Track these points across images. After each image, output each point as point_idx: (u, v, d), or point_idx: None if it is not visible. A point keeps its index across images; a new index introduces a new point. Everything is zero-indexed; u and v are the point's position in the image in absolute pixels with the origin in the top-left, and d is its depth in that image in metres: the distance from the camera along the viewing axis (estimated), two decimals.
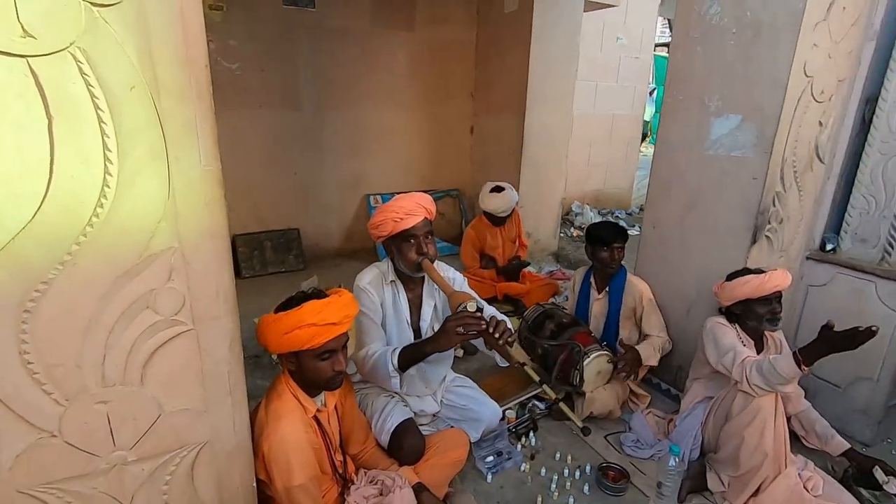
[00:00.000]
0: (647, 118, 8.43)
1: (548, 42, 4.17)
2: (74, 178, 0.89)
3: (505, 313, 3.38)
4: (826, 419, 2.07)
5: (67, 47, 0.84)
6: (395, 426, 1.80)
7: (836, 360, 2.28)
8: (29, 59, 0.82)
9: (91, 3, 0.85)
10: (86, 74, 0.87)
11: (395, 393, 1.94)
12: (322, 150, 4.26)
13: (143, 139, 0.94)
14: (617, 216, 6.22)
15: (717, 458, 1.93)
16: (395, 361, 1.66)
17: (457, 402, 2.04)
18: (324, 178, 4.34)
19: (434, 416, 2.04)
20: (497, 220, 3.53)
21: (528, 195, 4.43)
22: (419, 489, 1.61)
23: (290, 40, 3.89)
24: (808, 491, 1.76)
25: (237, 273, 3.95)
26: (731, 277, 1.97)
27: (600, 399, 2.29)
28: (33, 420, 0.97)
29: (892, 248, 2.13)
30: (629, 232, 2.53)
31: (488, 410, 2.01)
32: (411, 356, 1.67)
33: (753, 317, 1.91)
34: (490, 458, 2.03)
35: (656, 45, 6.83)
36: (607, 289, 2.49)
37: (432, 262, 1.79)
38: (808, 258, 2.35)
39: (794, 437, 2.07)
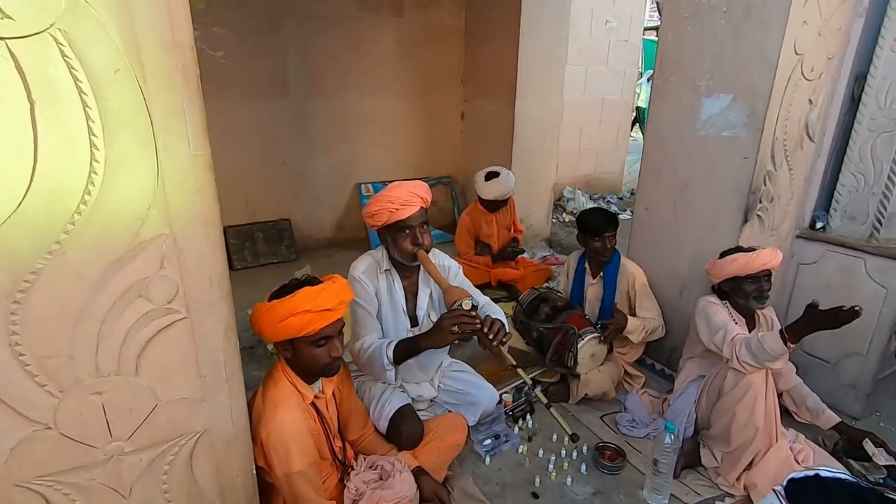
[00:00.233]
0: (643, 104, 8.39)
1: (537, 26, 4.13)
2: (60, 165, 0.87)
3: (499, 299, 3.44)
4: (817, 394, 2.10)
5: (47, 29, 0.82)
6: (393, 412, 1.81)
7: (826, 336, 2.32)
8: (7, 41, 0.79)
9: None
10: (67, 57, 0.84)
11: (393, 383, 1.94)
12: (311, 138, 4.21)
13: (129, 124, 0.92)
14: (608, 201, 6.24)
15: (711, 435, 1.96)
16: (391, 355, 1.66)
17: (454, 386, 2.04)
18: (314, 167, 4.29)
19: (432, 401, 2.05)
20: (493, 207, 3.51)
21: (520, 181, 4.40)
22: (418, 473, 1.62)
23: (276, 27, 3.82)
24: (798, 463, 1.79)
25: (229, 265, 3.90)
26: (723, 255, 1.99)
27: (595, 381, 2.31)
28: (27, 413, 0.95)
29: (881, 224, 2.16)
30: (621, 216, 2.54)
31: (485, 394, 2.02)
32: (406, 350, 1.68)
33: (742, 294, 1.93)
34: (488, 442, 2.05)
35: (645, 29, 6.80)
36: (602, 273, 2.51)
37: (427, 251, 1.78)
38: (798, 237, 2.37)
39: (785, 412, 2.11)
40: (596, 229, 2.38)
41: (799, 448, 1.90)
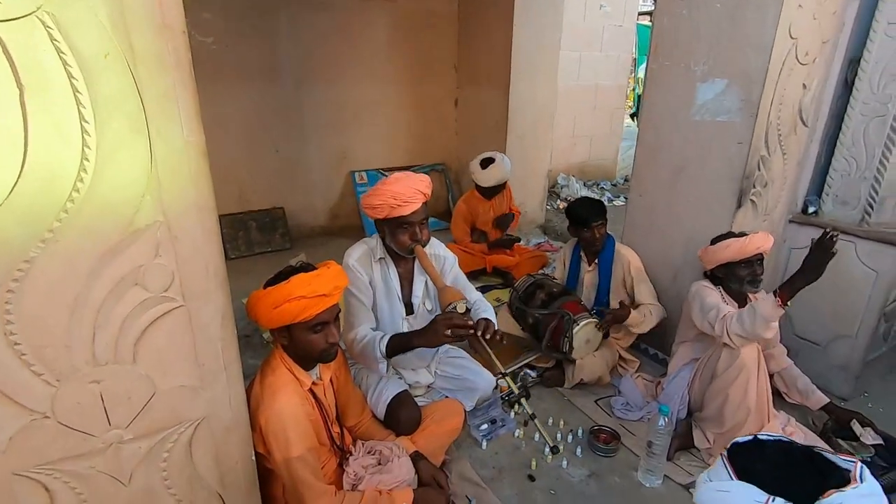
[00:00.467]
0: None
1: (531, 12, 4.09)
2: (51, 151, 0.86)
3: (494, 285, 3.45)
4: (807, 376, 2.14)
5: (34, 12, 0.80)
6: (390, 398, 1.82)
7: (817, 318, 2.36)
8: None
9: None
10: (56, 41, 0.82)
11: (386, 375, 1.95)
12: (304, 126, 4.17)
13: (121, 110, 0.90)
14: (602, 187, 6.24)
15: (703, 417, 2.00)
16: (383, 349, 1.67)
17: (451, 372, 2.06)
18: (307, 155, 4.25)
19: (429, 387, 2.07)
20: (489, 194, 3.51)
21: (515, 168, 4.38)
22: (416, 457, 1.64)
23: (267, 12, 3.75)
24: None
25: (223, 254, 3.89)
26: (714, 241, 2.01)
27: (590, 366, 2.34)
28: (24, 401, 0.95)
29: (872, 208, 2.18)
30: (615, 203, 2.55)
31: (482, 380, 2.03)
32: (398, 346, 1.69)
33: (735, 279, 1.95)
34: (484, 426, 2.07)
35: (639, 14, 6.75)
36: (597, 261, 2.52)
37: (424, 246, 1.78)
38: (790, 221, 2.39)
39: (776, 393, 2.15)
40: (584, 220, 2.39)
41: (790, 431, 1.93)
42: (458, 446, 1.99)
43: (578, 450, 1.98)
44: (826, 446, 1.89)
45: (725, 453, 0.91)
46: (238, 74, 3.76)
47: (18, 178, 0.84)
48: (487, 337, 1.57)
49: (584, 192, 5.81)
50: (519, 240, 3.71)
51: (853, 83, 2.16)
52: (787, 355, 2.20)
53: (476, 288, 3.33)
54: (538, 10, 4.11)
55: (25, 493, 1.01)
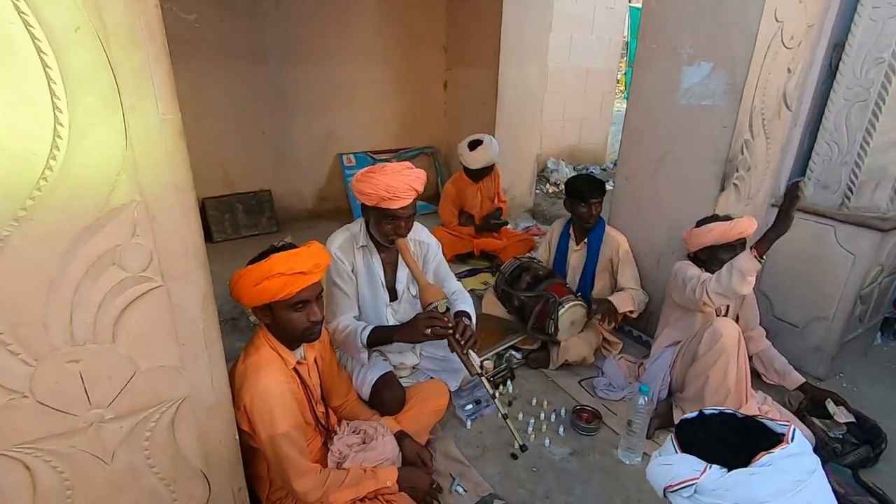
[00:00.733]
0: None
1: None
2: (21, 128, 0.84)
3: (481, 269, 3.46)
4: (785, 357, 2.19)
5: None
6: (375, 379, 1.84)
7: (796, 300, 2.41)
8: None
9: None
10: (24, 14, 0.80)
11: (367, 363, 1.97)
12: (290, 107, 4.11)
13: (93, 85, 0.88)
14: (591, 171, 6.25)
15: (684, 397, 2.04)
16: (364, 340, 1.71)
17: (436, 354, 2.08)
18: (293, 136, 4.20)
19: (414, 368, 2.09)
20: (478, 176, 3.50)
21: (504, 151, 4.37)
22: (401, 436, 1.66)
23: None
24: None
25: (209, 237, 3.86)
26: (700, 224, 2.03)
27: (575, 347, 2.37)
28: (2, 381, 0.94)
29: (852, 193, 2.21)
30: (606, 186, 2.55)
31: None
32: (379, 338, 1.73)
33: (717, 262, 1.98)
34: (469, 406, 2.10)
35: None
36: (586, 240, 2.53)
37: (404, 236, 1.80)
38: (773, 205, 2.42)
39: (755, 374, 2.20)
40: (584, 195, 2.39)
41: (766, 409, 1.99)
42: (443, 426, 2.02)
43: (561, 429, 2.02)
44: (802, 424, 1.95)
45: (674, 430, 0.94)
46: (222, 53, 3.69)
47: None
48: (463, 342, 1.64)
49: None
50: (506, 223, 3.72)
51: (837, 68, 2.17)
52: (767, 337, 2.25)
53: (464, 271, 3.39)
54: None
55: (6, 472, 1.01)
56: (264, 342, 1.40)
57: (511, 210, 4.55)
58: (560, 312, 2.24)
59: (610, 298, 2.36)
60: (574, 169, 6.13)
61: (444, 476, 1.78)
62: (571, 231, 2.58)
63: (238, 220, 4.00)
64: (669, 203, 2.38)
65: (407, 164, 1.76)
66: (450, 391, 1.98)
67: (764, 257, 1.73)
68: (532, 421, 2.05)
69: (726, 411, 0.94)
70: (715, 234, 1.94)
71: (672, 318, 2.19)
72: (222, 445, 1.29)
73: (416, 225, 1.91)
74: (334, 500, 1.36)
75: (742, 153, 2.13)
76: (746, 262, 1.74)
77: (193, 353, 1.16)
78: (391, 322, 1.92)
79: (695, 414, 0.95)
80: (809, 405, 2.07)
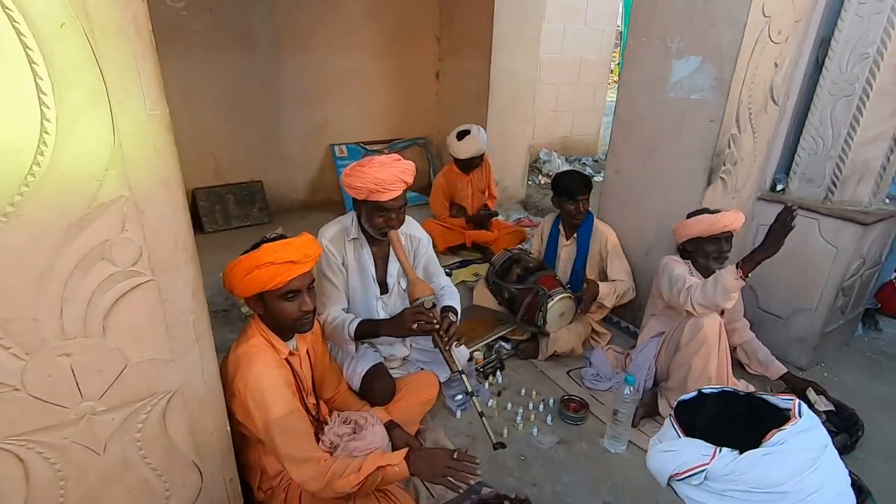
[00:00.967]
0: None
1: None
2: (8, 123, 0.84)
3: (473, 260, 3.48)
4: (769, 347, 2.24)
5: None
6: (365, 370, 1.86)
7: (780, 292, 2.45)
8: None
9: None
10: (8, 9, 0.80)
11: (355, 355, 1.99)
12: (281, 97, 4.07)
13: (80, 81, 0.89)
14: (584, 163, 6.27)
15: (668, 386, 2.08)
16: (352, 332, 1.74)
17: (426, 345, 2.10)
18: (285, 127, 4.17)
19: (404, 359, 2.11)
20: (467, 167, 3.50)
21: (496, 142, 4.39)
22: (391, 426, 1.68)
23: None
24: None
25: (200, 228, 3.84)
26: (690, 216, 2.06)
27: (563, 338, 2.40)
28: None
29: (836, 187, 2.25)
30: (595, 179, 2.58)
31: (457, 352, 2.08)
32: (367, 331, 1.76)
33: (702, 254, 2.02)
34: (459, 397, 2.13)
35: None
36: (575, 235, 2.56)
37: (397, 228, 1.81)
38: (759, 198, 2.45)
39: (739, 364, 2.25)
40: (571, 192, 2.41)
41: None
42: (433, 416, 2.05)
43: (549, 418, 2.06)
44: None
45: (672, 412, 0.88)
46: (212, 42, 3.64)
47: None
48: (447, 339, 1.67)
49: (566, 168, 5.84)
50: (497, 214, 3.73)
51: (823, 63, 2.19)
52: (752, 328, 2.30)
53: (455, 262, 3.41)
54: None
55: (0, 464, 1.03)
56: (256, 332, 1.41)
57: (503, 202, 4.57)
58: (549, 305, 2.27)
59: (600, 283, 2.40)
60: (566, 160, 6.14)
61: None
62: (561, 226, 2.61)
63: (229, 211, 3.98)
64: (658, 196, 2.41)
65: (395, 156, 1.77)
66: (439, 382, 2.01)
67: (749, 276, 1.77)
68: (521, 410, 2.09)
69: (726, 389, 0.87)
70: (700, 226, 1.98)
71: (658, 309, 2.22)
72: (214, 436, 1.31)
73: (408, 219, 1.92)
74: (338, 486, 1.27)
75: (729, 147, 2.16)
76: (730, 279, 1.78)
77: (184, 346, 1.17)
78: (381, 315, 1.94)
79: (693, 394, 0.89)
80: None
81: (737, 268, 1.77)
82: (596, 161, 6.47)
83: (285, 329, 1.42)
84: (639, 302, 2.55)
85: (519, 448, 1.93)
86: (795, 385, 2.13)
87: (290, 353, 1.47)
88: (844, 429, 1.97)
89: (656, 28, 2.22)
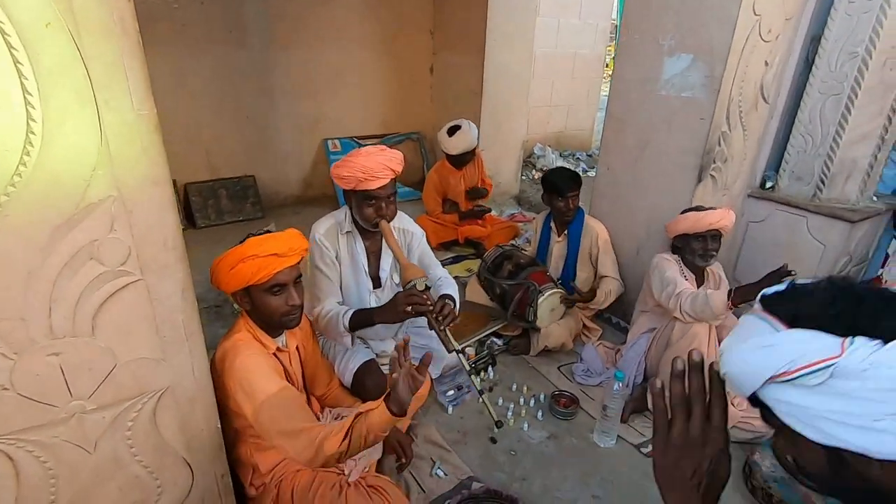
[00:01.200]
0: None
1: None
2: None
3: (466, 256, 3.49)
4: None
5: None
6: (357, 367, 1.87)
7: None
8: None
9: None
10: None
11: (357, 336, 2.00)
12: (274, 91, 4.05)
13: (66, 81, 0.88)
14: (578, 158, 6.28)
15: None
16: (347, 323, 1.73)
17: (417, 342, 2.11)
18: (278, 121, 4.15)
19: None
20: (459, 163, 3.50)
21: (490, 137, 4.40)
22: None
23: None
24: (734, 406, 1.96)
25: (192, 223, 3.83)
26: (682, 213, 2.08)
27: (555, 333, 2.43)
28: None
29: (824, 184, 2.27)
30: (589, 174, 2.59)
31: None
32: (361, 321, 1.74)
33: (689, 251, 2.04)
34: (451, 392, 2.15)
35: None
36: (566, 232, 2.58)
37: (389, 220, 1.80)
38: (749, 196, 2.47)
39: None
40: (560, 189, 2.43)
41: (734, 393, 2.06)
42: (425, 412, 2.07)
43: (539, 413, 2.09)
44: None
45: (759, 306, 0.66)
46: (204, 36, 3.61)
47: None
48: (441, 318, 1.64)
49: (560, 163, 5.85)
50: (489, 210, 3.74)
51: (813, 61, 2.20)
52: None
53: (448, 258, 3.42)
54: None
55: None
56: (243, 327, 1.41)
57: (496, 197, 4.58)
58: (540, 300, 2.29)
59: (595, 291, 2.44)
60: (561, 155, 6.15)
61: (426, 460, 1.83)
62: (552, 224, 2.62)
63: (222, 206, 3.98)
64: (649, 193, 2.42)
65: (382, 146, 1.77)
66: (431, 378, 2.02)
67: (739, 306, 1.81)
68: (512, 406, 2.11)
69: (823, 277, 0.64)
70: (687, 223, 2.00)
71: (648, 305, 2.24)
72: (205, 434, 1.31)
73: (400, 213, 1.92)
74: (327, 448, 1.20)
75: (719, 145, 2.17)
76: (719, 305, 1.82)
77: (174, 345, 1.17)
78: (376, 302, 1.94)
79: (783, 286, 0.66)
80: None
81: (729, 295, 1.81)
82: (590, 156, 6.49)
83: (273, 324, 1.43)
84: (629, 298, 2.57)
85: (510, 443, 1.95)
86: None
87: (279, 349, 1.48)
88: None
89: (648, 25, 2.23)
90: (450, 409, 2.09)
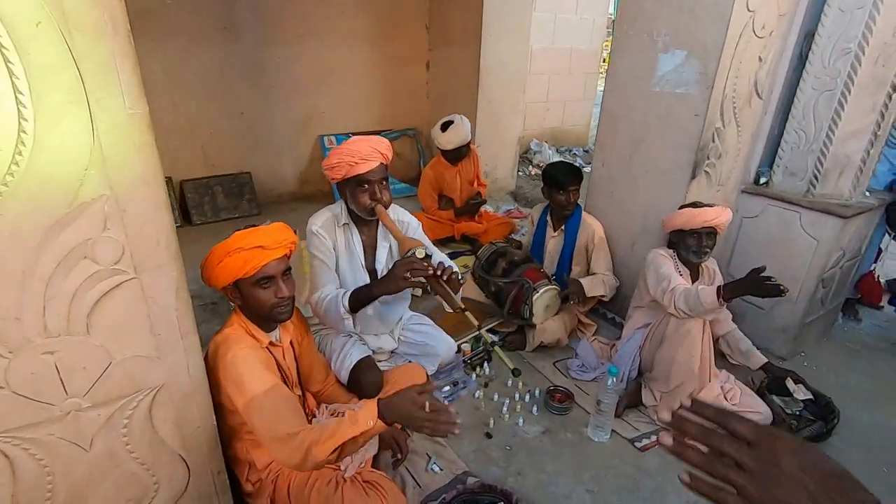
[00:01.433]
0: None
1: None
2: None
3: (462, 252, 3.50)
4: (751, 338, 2.28)
5: None
6: (353, 363, 1.88)
7: None
8: None
9: None
10: None
11: (353, 332, 2.01)
12: (269, 87, 4.04)
13: (57, 80, 0.88)
14: (574, 153, 6.28)
15: (652, 377, 2.13)
16: (346, 303, 1.71)
17: (414, 338, 2.12)
18: (273, 118, 4.14)
19: (392, 352, 2.13)
20: (454, 158, 3.50)
21: (486, 132, 4.40)
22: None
23: None
24: (727, 400, 1.98)
25: (188, 220, 3.82)
26: (680, 209, 2.09)
27: (550, 329, 2.44)
28: None
29: (817, 180, 2.28)
30: (585, 169, 2.59)
31: (444, 345, 2.11)
32: (361, 298, 1.73)
33: (684, 246, 2.05)
34: (447, 388, 2.16)
35: None
36: (563, 227, 2.58)
37: (386, 207, 1.80)
38: (743, 191, 2.48)
39: (721, 355, 2.29)
40: (561, 183, 2.43)
41: (728, 388, 2.08)
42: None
43: (534, 408, 2.10)
44: (761, 401, 2.05)
45: None
46: (197, 32, 3.59)
47: None
48: (445, 278, 1.61)
49: (557, 159, 5.85)
50: (484, 202, 3.73)
51: (807, 57, 2.21)
52: (735, 318, 2.33)
53: (445, 255, 3.42)
54: None
55: None
56: (235, 322, 1.42)
57: (493, 193, 4.58)
58: (534, 298, 2.30)
59: (581, 281, 2.43)
60: (557, 151, 6.15)
61: (421, 455, 1.84)
62: (549, 218, 2.63)
63: (218, 203, 3.97)
64: (644, 189, 2.43)
65: (370, 136, 1.78)
66: (427, 374, 2.03)
67: (729, 301, 1.85)
68: (507, 401, 2.12)
69: None
70: (682, 219, 2.01)
71: (643, 301, 2.26)
72: (200, 430, 1.32)
73: (397, 206, 1.93)
74: (316, 453, 1.16)
75: (713, 141, 2.18)
76: (710, 301, 1.84)
77: (169, 343, 1.18)
78: (372, 302, 1.95)
79: None
80: (771, 384, 2.17)
81: (719, 292, 1.83)
82: (587, 151, 6.49)
83: (264, 318, 1.43)
84: (624, 293, 2.59)
85: (505, 438, 1.96)
86: (775, 375, 2.17)
87: (272, 344, 1.49)
88: (820, 417, 2.02)
89: (643, 21, 2.23)
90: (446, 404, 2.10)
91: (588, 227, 2.53)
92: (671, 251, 2.14)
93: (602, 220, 2.57)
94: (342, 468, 1.50)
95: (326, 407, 1.73)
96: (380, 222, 1.94)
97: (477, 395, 2.17)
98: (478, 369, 2.33)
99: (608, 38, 7.72)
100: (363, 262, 1.94)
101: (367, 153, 1.71)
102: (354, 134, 4.54)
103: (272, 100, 4.09)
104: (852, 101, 2.11)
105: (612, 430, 1.99)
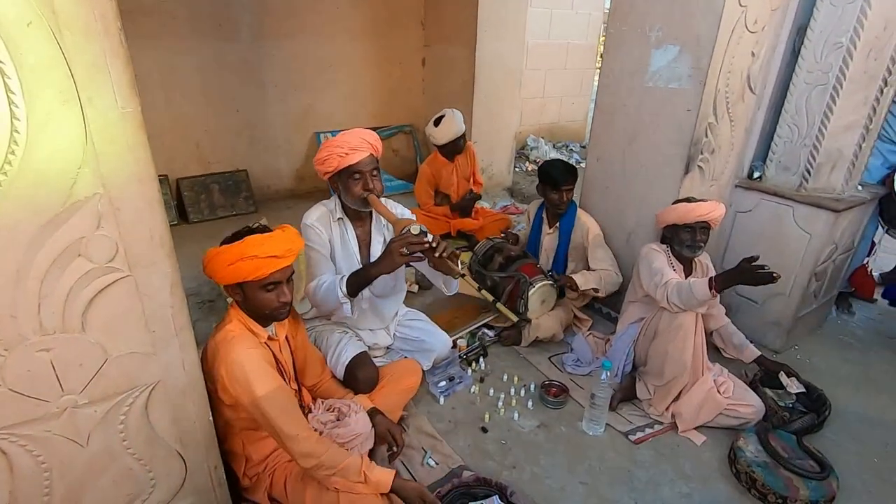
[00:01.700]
0: None
1: None
2: None
3: (459, 248, 3.50)
4: (745, 331, 2.30)
5: None
6: (349, 359, 1.89)
7: None
8: None
9: None
10: None
11: (349, 328, 2.02)
12: (264, 84, 4.04)
13: (49, 80, 0.89)
14: (571, 149, 6.29)
15: (646, 371, 2.14)
16: (344, 287, 1.72)
17: (409, 334, 2.14)
18: (269, 115, 4.14)
19: (387, 348, 2.15)
20: (451, 153, 3.50)
21: (482, 128, 4.40)
22: (373, 413, 1.72)
23: None
24: (720, 393, 2.00)
25: (184, 218, 3.83)
26: (674, 203, 2.10)
27: (545, 324, 2.45)
28: None
29: (810, 174, 2.29)
30: (582, 165, 2.60)
31: (439, 341, 2.12)
32: (358, 281, 1.73)
33: (677, 241, 2.06)
34: (442, 383, 2.18)
35: None
36: (558, 224, 2.59)
37: (378, 196, 1.81)
38: (736, 186, 2.50)
39: (715, 348, 2.31)
40: (555, 181, 2.44)
41: (722, 381, 2.10)
42: (416, 403, 2.09)
43: (530, 403, 2.12)
44: (754, 394, 2.07)
45: None
46: (192, 29, 3.59)
47: None
48: (442, 249, 1.60)
49: (554, 154, 5.85)
50: (479, 197, 3.74)
51: (800, 51, 2.22)
52: (728, 312, 2.35)
53: None
54: None
55: None
56: (234, 317, 1.44)
57: (489, 189, 4.59)
58: (530, 292, 2.31)
59: (574, 276, 2.44)
60: (554, 146, 6.16)
61: (417, 450, 1.86)
62: (544, 215, 2.64)
63: (214, 201, 3.97)
64: (638, 184, 2.44)
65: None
66: (423, 370, 2.05)
67: (721, 292, 1.86)
68: (502, 396, 2.14)
69: None
70: (675, 213, 2.02)
71: (637, 295, 2.27)
72: (196, 426, 1.34)
73: (390, 201, 1.94)
74: (321, 478, 1.36)
75: (706, 136, 2.19)
76: (702, 292, 1.85)
77: (164, 339, 1.19)
78: (367, 296, 1.96)
79: None
80: (764, 377, 2.19)
81: (711, 283, 1.83)
82: (583, 147, 6.50)
83: (262, 317, 1.45)
84: (620, 289, 2.60)
85: (500, 432, 1.98)
86: (768, 368, 2.19)
87: (269, 338, 1.50)
88: (813, 409, 2.04)
89: (636, 16, 2.23)
90: (441, 399, 2.12)
91: (583, 226, 2.54)
92: (664, 246, 2.16)
93: (597, 215, 2.58)
94: None
95: (322, 402, 1.74)
96: (374, 216, 1.95)
97: (472, 390, 2.19)
98: (473, 364, 2.35)
99: (604, 33, 7.72)
100: (358, 257, 1.95)
101: (357, 144, 1.73)
102: None
103: (268, 97, 4.08)
104: (844, 95, 2.12)
105: (607, 424, 2.01)
